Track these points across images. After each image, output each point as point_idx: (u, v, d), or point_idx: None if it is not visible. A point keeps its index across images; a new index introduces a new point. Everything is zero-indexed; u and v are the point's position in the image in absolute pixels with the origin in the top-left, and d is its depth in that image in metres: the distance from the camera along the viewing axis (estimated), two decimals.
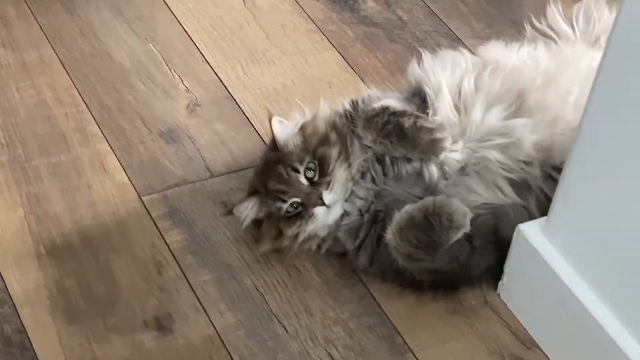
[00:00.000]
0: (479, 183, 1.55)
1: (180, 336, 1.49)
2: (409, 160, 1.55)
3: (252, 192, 1.60)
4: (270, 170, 1.58)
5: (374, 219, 1.56)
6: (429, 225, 1.45)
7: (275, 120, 1.61)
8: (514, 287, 1.55)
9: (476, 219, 1.49)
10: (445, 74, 1.64)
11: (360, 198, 1.56)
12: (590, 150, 1.36)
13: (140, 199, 1.68)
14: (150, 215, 1.65)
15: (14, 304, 1.50)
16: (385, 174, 1.56)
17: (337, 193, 1.55)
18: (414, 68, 1.71)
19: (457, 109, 1.60)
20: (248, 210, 1.59)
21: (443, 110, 1.58)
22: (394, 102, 1.59)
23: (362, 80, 1.95)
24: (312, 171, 1.56)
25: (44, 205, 1.65)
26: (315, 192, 1.54)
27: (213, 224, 1.65)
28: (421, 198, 1.53)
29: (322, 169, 1.56)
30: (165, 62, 1.95)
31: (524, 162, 1.55)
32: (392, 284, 1.57)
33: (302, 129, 1.62)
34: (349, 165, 1.56)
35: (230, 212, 1.59)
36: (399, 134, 1.53)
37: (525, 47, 1.78)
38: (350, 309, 1.55)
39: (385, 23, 2.10)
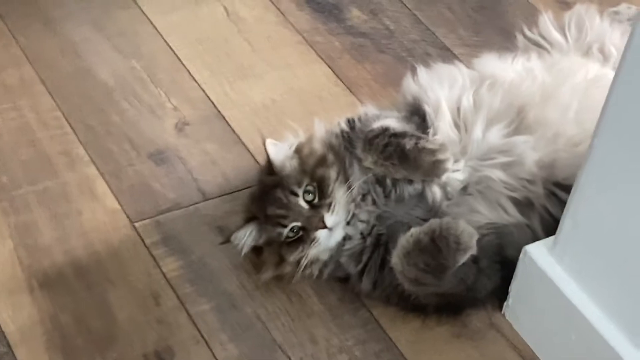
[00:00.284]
0: (482, 203, 1.52)
1: None
2: (411, 182, 1.52)
3: (250, 219, 1.56)
4: (268, 195, 1.54)
5: (377, 243, 1.52)
6: (436, 249, 1.42)
7: (269, 143, 1.57)
8: (521, 308, 1.52)
9: (481, 240, 1.46)
10: (443, 90, 1.60)
11: (362, 221, 1.53)
12: (601, 171, 1.33)
13: (133, 226, 1.63)
14: (144, 243, 1.61)
15: (8, 343, 1.45)
16: (386, 196, 1.53)
17: (339, 215, 1.52)
18: (409, 83, 1.68)
19: (457, 126, 1.57)
20: (246, 237, 1.54)
21: (443, 129, 1.55)
22: (393, 122, 1.55)
23: (353, 93, 1.91)
24: (311, 194, 1.52)
25: (34, 236, 1.60)
26: (316, 215, 1.50)
27: (210, 250, 1.60)
28: (424, 219, 1.50)
29: (322, 190, 1.52)
30: (150, 79, 1.90)
31: (527, 180, 1.52)
32: (397, 308, 1.54)
33: (298, 150, 1.58)
34: (350, 186, 1.52)
35: (227, 240, 1.55)
36: (401, 155, 1.49)
37: (519, 58, 1.75)
38: (355, 335, 1.51)
39: (372, 33, 2.06)
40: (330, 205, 1.51)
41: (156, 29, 2.01)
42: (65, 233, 1.61)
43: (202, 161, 1.75)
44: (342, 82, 1.94)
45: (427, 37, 2.06)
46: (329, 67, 1.97)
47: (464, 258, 1.43)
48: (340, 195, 1.52)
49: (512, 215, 1.52)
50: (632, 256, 1.33)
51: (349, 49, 2.01)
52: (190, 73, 1.92)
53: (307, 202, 1.52)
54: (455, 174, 1.52)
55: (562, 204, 1.53)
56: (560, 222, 1.43)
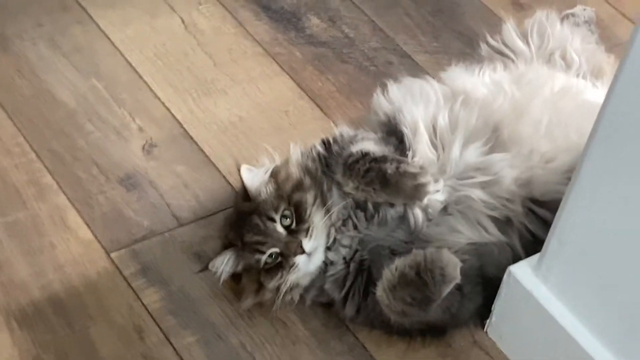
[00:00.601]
0: (463, 222, 1.53)
1: None
2: (392, 205, 1.52)
3: (227, 245, 1.54)
4: (245, 221, 1.52)
5: (360, 268, 1.52)
6: (422, 282, 1.42)
7: (244, 169, 1.56)
8: (505, 326, 1.54)
9: (463, 265, 1.46)
10: (418, 109, 1.60)
11: (345, 246, 1.52)
12: (588, 194, 1.34)
13: (109, 256, 1.60)
14: (122, 274, 1.58)
15: None
16: (367, 220, 1.52)
17: (317, 239, 1.51)
18: (380, 100, 1.68)
19: (434, 146, 1.57)
20: (224, 264, 1.53)
21: (422, 150, 1.55)
22: (372, 145, 1.54)
23: (319, 106, 1.90)
24: (288, 219, 1.51)
25: (8, 272, 1.56)
26: (294, 241, 1.49)
27: (189, 279, 1.58)
28: (406, 242, 1.50)
29: (299, 215, 1.51)
30: (112, 98, 1.86)
31: (506, 199, 1.53)
32: (381, 332, 1.54)
33: (274, 175, 1.57)
34: (328, 210, 1.51)
35: (205, 268, 1.53)
36: (382, 180, 1.49)
37: (485, 69, 1.76)
38: None
39: (333, 42, 2.04)
40: (308, 230, 1.50)
41: (113, 44, 1.97)
42: (41, 268, 1.57)
43: (173, 184, 1.73)
44: (307, 94, 1.92)
45: (387, 44, 2.05)
46: (293, 79, 1.95)
47: (449, 289, 1.43)
48: (318, 220, 1.51)
49: (492, 234, 1.53)
50: (620, 276, 1.35)
51: (310, 60, 2.00)
52: (152, 90, 1.89)
53: (285, 227, 1.50)
54: (436, 195, 1.52)
55: (540, 220, 1.55)
56: (546, 242, 1.44)
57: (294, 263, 1.49)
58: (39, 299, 1.53)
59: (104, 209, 1.67)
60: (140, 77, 1.91)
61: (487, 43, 1.89)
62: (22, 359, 1.46)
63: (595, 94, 1.74)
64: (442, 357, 1.53)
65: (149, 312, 1.53)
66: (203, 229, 1.66)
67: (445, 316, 1.48)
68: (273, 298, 1.52)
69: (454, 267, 1.42)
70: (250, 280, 1.53)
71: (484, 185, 1.53)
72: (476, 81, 1.70)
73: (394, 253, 1.51)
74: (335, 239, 1.52)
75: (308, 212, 1.51)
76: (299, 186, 1.54)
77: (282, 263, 1.50)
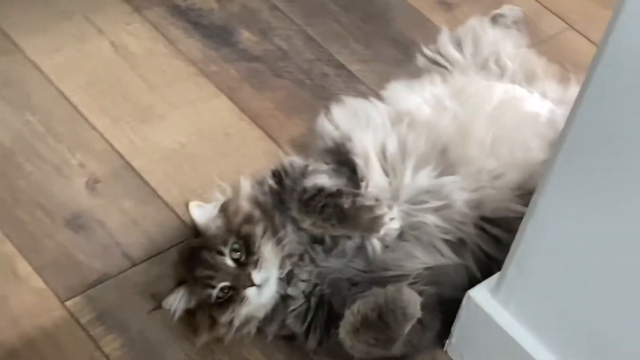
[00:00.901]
0: (418, 247, 1.54)
1: None
2: (349, 237, 1.52)
3: (180, 282, 1.53)
4: (195, 256, 1.52)
5: (320, 301, 1.53)
6: (384, 324, 1.43)
7: (192, 206, 1.55)
8: (465, 347, 1.56)
9: (422, 296, 1.46)
10: (367, 136, 1.60)
11: (304, 280, 1.52)
12: (546, 220, 1.36)
13: (64, 305, 1.57)
14: (79, 323, 1.55)
15: None
16: (325, 252, 1.53)
17: (267, 270, 1.50)
18: (324, 125, 1.68)
19: (385, 172, 1.58)
20: (177, 301, 1.52)
21: (375, 179, 1.56)
22: (326, 179, 1.54)
23: (260, 127, 1.88)
24: (238, 252, 1.50)
25: None
26: (243, 273, 1.49)
27: (147, 321, 1.56)
28: (364, 271, 1.52)
29: (248, 247, 1.51)
30: (49, 133, 1.81)
31: (459, 221, 1.55)
32: None
33: (224, 209, 1.56)
34: (279, 241, 1.51)
35: (159, 307, 1.52)
36: (340, 215, 1.49)
37: (425, 84, 1.77)
38: None
39: (266, 56, 2.03)
40: (257, 262, 1.50)
41: (43, 73, 1.91)
42: None
43: (122, 222, 1.70)
44: (246, 115, 1.90)
45: (321, 55, 2.04)
46: (231, 99, 1.92)
47: (410, 326, 1.45)
48: (267, 251, 1.51)
49: (448, 257, 1.55)
50: (582, 300, 1.37)
51: (246, 77, 1.97)
52: (89, 122, 1.84)
53: (234, 260, 1.50)
54: (392, 223, 1.53)
55: (493, 238, 1.57)
56: (504, 267, 1.46)
57: (245, 295, 1.48)
58: None
59: (53, 254, 1.64)
60: (75, 107, 1.86)
61: (423, 53, 1.90)
62: None
63: (532, 102, 1.77)
64: None
65: None
66: (156, 267, 1.64)
67: (407, 349, 1.50)
68: (227, 333, 1.52)
69: (414, 304, 1.43)
70: (203, 316, 1.52)
71: (437, 209, 1.55)
72: (418, 99, 1.71)
73: (353, 284, 1.52)
74: (293, 274, 1.52)
75: (257, 244, 1.50)
76: (248, 219, 1.53)
77: (233, 297, 1.49)
